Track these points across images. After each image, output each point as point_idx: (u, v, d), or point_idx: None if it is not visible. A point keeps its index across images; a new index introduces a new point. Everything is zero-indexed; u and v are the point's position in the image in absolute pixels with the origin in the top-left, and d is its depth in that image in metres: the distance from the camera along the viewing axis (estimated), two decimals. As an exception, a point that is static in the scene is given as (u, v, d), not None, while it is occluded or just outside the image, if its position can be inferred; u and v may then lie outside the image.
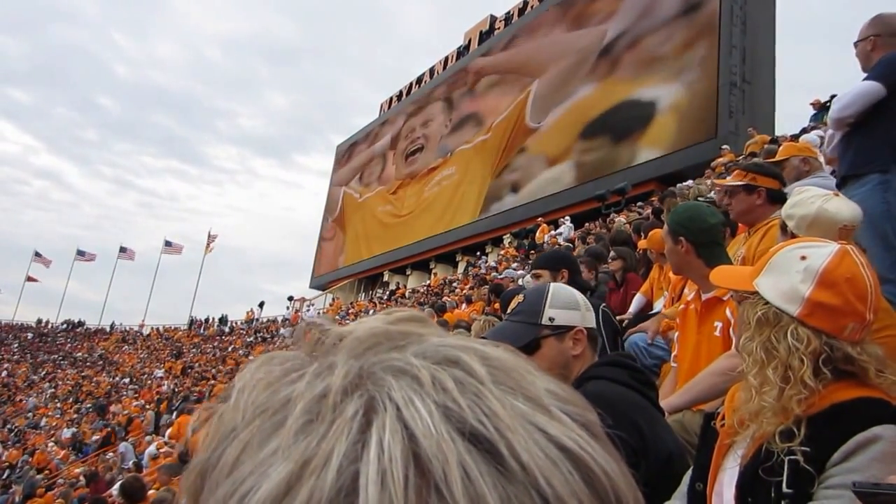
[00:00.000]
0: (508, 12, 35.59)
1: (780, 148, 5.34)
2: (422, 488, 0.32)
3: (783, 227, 2.88)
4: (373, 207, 41.20)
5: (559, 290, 2.24)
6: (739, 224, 4.91)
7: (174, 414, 17.87)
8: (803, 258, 1.52)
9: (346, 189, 45.59)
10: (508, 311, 2.37)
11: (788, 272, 1.52)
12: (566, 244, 16.29)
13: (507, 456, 0.33)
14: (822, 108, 14.95)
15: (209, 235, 49.99)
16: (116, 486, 9.06)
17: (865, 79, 3.50)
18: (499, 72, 33.10)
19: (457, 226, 32.15)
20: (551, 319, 2.17)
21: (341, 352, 0.40)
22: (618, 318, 5.52)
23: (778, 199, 3.65)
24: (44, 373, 37.81)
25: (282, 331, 32.44)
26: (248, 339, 33.40)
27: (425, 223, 34.89)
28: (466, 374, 0.37)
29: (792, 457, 1.38)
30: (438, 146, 36.27)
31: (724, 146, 16.79)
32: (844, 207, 2.71)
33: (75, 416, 26.56)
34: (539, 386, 0.38)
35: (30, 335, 47.40)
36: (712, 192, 8.99)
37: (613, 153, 24.59)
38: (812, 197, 2.76)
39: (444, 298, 16.90)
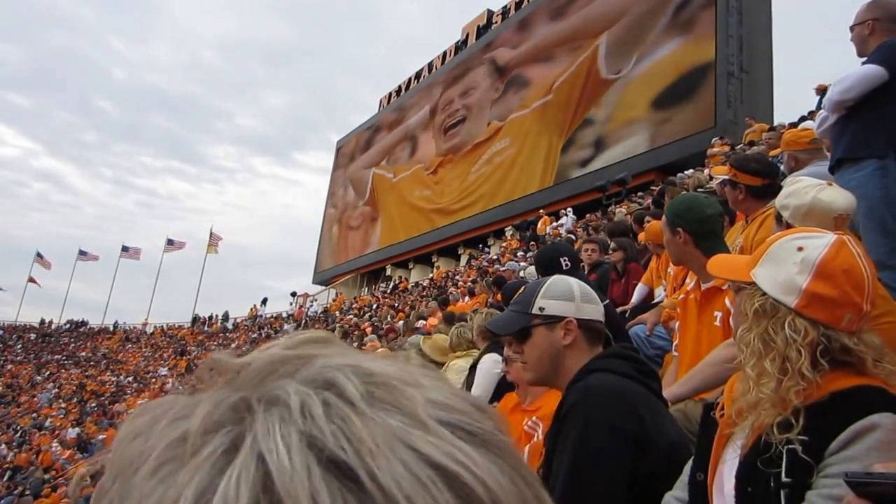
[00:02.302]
0: (505, 6, 35.51)
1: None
2: None
3: (778, 217, 2.89)
4: (408, 190, 38.81)
5: (556, 281, 2.27)
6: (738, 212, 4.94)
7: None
8: (800, 249, 1.51)
9: (375, 171, 42.97)
10: (512, 300, 2.43)
11: (785, 263, 1.52)
12: (568, 235, 16.31)
13: (366, 482, 0.32)
14: (825, 94, 14.89)
15: (211, 234, 49.89)
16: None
17: (866, 62, 3.49)
18: (533, 59, 31.01)
19: (521, 195, 29.23)
20: (541, 309, 2.21)
21: (218, 386, 0.38)
22: (621, 308, 5.54)
23: (762, 193, 3.67)
24: (47, 373, 37.85)
25: (285, 326, 32.49)
26: (252, 336, 33.45)
27: (476, 207, 32.38)
28: (337, 397, 0.35)
29: (790, 447, 1.38)
30: (489, 113, 33.22)
31: (714, 138, 16.77)
32: (839, 197, 2.71)
33: (80, 416, 26.61)
34: (418, 398, 0.37)
35: (33, 336, 47.41)
36: (712, 181, 8.99)
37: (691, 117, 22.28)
38: (806, 187, 2.76)
39: (450, 291, 16.93)
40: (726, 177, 3.84)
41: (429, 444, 0.34)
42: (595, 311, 2.25)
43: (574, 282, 2.27)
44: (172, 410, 0.37)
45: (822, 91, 15.29)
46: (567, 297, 2.21)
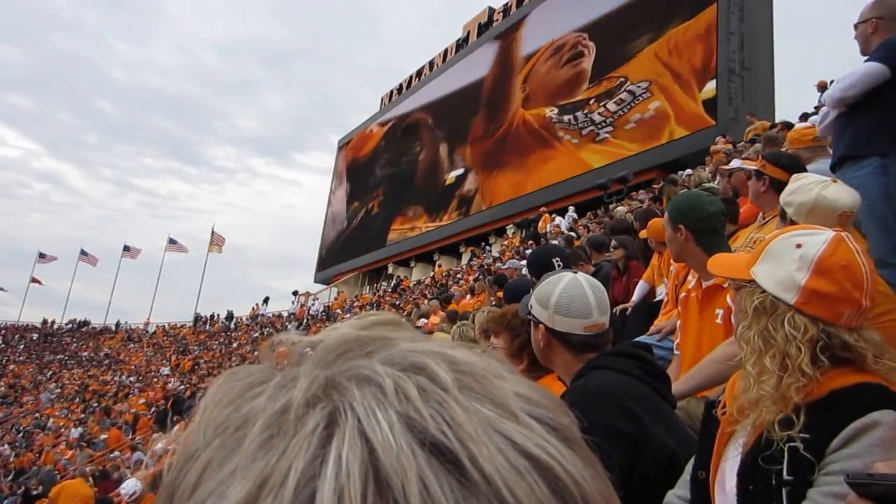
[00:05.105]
0: (506, 3, 35.48)
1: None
2: None
3: (782, 213, 2.88)
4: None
5: (546, 284, 2.29)
6: (741, 211, 4.94)
7: (183, 412, 17.91)
8: (798, 246, 1.51)
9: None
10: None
11: (784, 260, 1.52)
12: (569, 233, 16.31)
13: (469, 467, 0.32)
14: (825, 90, 14.87)
15: (213, 234, 49.90)
16: (125, 484, 9.10)
17: (868, 60, 3.48)
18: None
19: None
20: (531, 307, 2.30)
21: (308, 362, 0.39)
22: (621, 305, 5.54)
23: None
24: (50, 373, 37.87)
25: (288, 325, 32.46)
26: (254, 335, 33.40)
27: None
28: (430, 382, 0.35)
29: (792, 444, 1.38)
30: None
31: (718, 136, 16.78)
32: (843, 194, 2.69)
33: (82, 415, 26.59)
34: (507, 389, 0.37)
35: (35, 336, 47.43)
36: (713, 178, 8.99)
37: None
38: (810, 184, 2.74)
39: (452, 289, 16.93)
40: (753, 167, 3.83)
41: (521, 435, 0.34)
42: (570, 324, 2.19)
43: (560, 289, 2.22)
44: (274, 380, 0.38)
45: (822, 87, 15.29)
46: (544, 304, 2.24)
